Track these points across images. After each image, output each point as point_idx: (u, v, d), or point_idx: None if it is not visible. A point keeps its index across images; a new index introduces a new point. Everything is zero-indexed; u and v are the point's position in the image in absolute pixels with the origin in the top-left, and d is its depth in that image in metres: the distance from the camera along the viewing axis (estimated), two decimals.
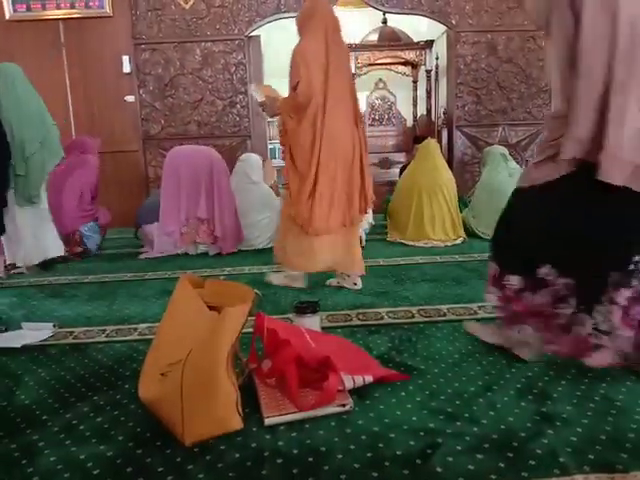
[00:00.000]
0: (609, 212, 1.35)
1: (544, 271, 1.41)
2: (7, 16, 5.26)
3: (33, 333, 2.05)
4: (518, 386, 1.44)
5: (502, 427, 1.23)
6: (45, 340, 2.01)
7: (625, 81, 1.29)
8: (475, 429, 1.23)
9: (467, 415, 1.30)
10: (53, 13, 5.30)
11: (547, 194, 1.42)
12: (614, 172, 1.29)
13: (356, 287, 2.58)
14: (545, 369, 1.54)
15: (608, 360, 1.40)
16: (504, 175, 4.02)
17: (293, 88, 2.34)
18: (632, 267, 1.34)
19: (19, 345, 1.93)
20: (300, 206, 2.41)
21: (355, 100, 2.49)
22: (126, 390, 1.52)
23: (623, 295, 1.34)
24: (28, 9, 5.29)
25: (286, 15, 5.33)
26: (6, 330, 2.11)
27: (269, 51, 6.12)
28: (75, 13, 5.30)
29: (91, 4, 5.34)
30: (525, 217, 1.48)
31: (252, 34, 5.48)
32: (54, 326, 2.13)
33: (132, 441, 1.25)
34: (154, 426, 1.29)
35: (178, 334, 1.39)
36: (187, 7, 5.33)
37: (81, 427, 1.32)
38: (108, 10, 5.33)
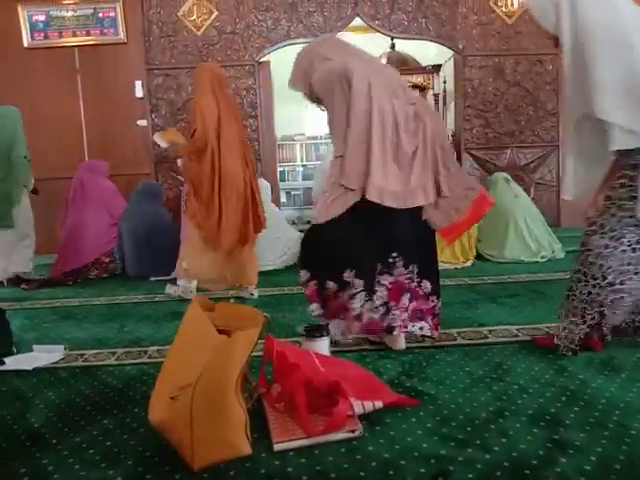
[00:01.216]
0: (378, 223, 1.88)
1: (347, 274, 1.89)
2: (25, 44, 5.41)
3: (44, 355, 2.06)
4: (530, 412, 1.42)
5: (514, 455, 1.21)
6: (56, 362, 2.02)
7: (381, 137, 1.84)
8: (487, 456, 1.21)
9: (478, 442, 1.28)
10: (69, 40, 5.45)
11: (338, 219, 1.88)
12: (374, 194, 1.82)
13: (253, 297, 3.02)
14: (557, 395, 1.52)
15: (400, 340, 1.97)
16: (510, 197, 4.07)
17: (191, 135, 2.86)
18: (391, 260, 1.90)
19: (30, 367, 1.95)
20: (209, 230, 2.90)
21: (244, 144, 3.02)
22: (136, 413, 1.52)
23: (387, 280, 1.90)
24: (45, 37, 5.45)
25: (295, 41, 5.44)
26: (17, 352, 2.13)
27: (278, 76, 6.22)
28: (90, 40, 5.44)
29: (106, 31, 5.48)
30: (328, 238, 1.91)
31: (262, 60, 5.59)
32: (65, 348, 2.14)
33: (141, 466, 1.24)
34: (163, 450, 1.28)
35: (188, 357, 1.40)
36: (199, 34, 5.46)
37: (90, 451, 1.32)
38: (122, 37, 5.47)
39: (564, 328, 1.86)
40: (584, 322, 1.82)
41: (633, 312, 1.85)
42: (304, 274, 1.96)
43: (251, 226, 2.96)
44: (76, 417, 1.52)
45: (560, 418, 1.38)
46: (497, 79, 5.66)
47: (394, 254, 1.90)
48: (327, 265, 1.92)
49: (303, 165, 7.93)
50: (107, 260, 3.97)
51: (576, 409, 1.43)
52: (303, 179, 7.76)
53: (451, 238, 2.25)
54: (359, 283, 1.89)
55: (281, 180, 7.11)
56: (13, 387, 1.79)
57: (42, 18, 5.42)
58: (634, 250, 1.74)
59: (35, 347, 2.16)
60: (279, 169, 6.81)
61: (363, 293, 1.89)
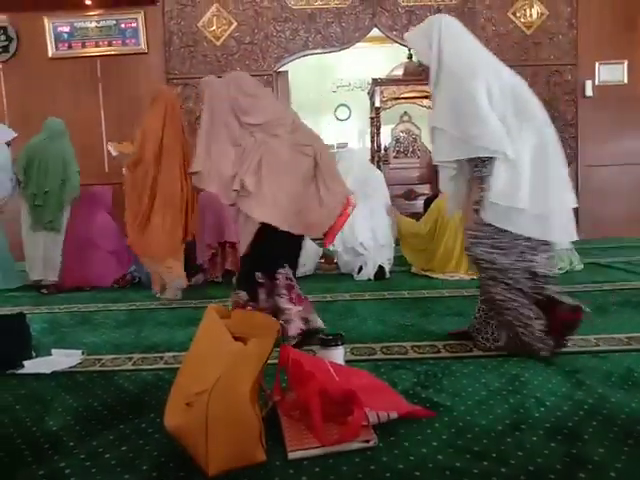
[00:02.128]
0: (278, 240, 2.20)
1: (282, 271, 2.23)
2: (50, 54, 5.55)
3: (63, 359, 2.09)
4: (547, 425, 1.40)
5: (531, 468, 1.20)
6: (74, 367, 2.05)
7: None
8: (503, 469, 1.20)
9: (495, 455, 1.26)
10: (92, 51, 5.58)
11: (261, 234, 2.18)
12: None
13: (177, 298, 3.33)
14: (575, 409, 1.50)
15: (298, 329, 2.15)
16: None
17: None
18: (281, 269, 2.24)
19: (49, 371, 1.98)
20: (134, 235, 3.27)
21: (188, 161, 3.18)
22: (151, 419, 1.53)
23: (282, 280, 2.22)
24: (69, 47, 5.58)
25: (313, 52, 5.50)
26: (36, 356, 2.16)
27: (296, 85, 6.28)
28: (112, 50, 5.56)
29: (127, 42, 5.60)
30: (264, 246, 2.22)
31: (280, 69, 5.65)
32: (83, 353, 2.17)
33: (156, 471, 1.25)
34: (178, 456, 1.29)
35: (204, 364, 1.40)
36: (218, 44, 5.54)
37: (107, 455, 1.33)
38: (143, 47, 5.58)
39: (522, 334, 1.91)
40: (536, 317, 1.90)
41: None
42: (244, 295, 2.25)
43: (178, 235, 3.30)
44: (93, 421, 1.54)
45: (578, 432, 1.36)
46: None
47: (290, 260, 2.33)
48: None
49: None
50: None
51: (594, 423, 1.40)
52: None
53: (329, 240, 2.55)
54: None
55: None
56: (32, 390, 1.82)
57: (66, 29, 5.56)
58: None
59: (54, 351, 2.19)
60: None
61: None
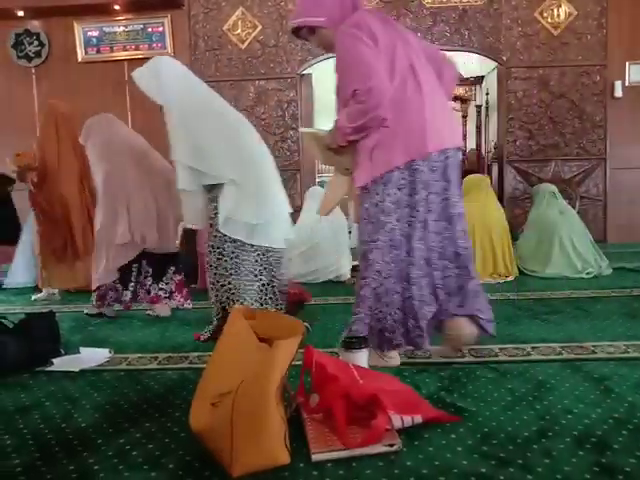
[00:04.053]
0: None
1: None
2: (79, 58, 5.68)
3: (90, 358, 2.14)
4: (575, 433, 1.38)
5: (558, 476, 1.18)
6: (101, 365, 2.09)
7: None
8: (529, 477, 1.18)
9: (520, 461, 1.25)
10: (119, 55, 5.69)
11: None
12: None
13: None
14: (604, 417, 1.46)
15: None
16: (554, 213, 3.94)
17: (36, 166, 3.42)
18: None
19: (77, 369, 2.02)
20: (43, 245, 3.57)
21: (83, 173, 3.40)
22: (176, 418, 1.55)
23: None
24: (98, 52, 5.71)
25: None
26: (65, 354, 2.21)
27: (319, 88, 6.29)
28: (139, 54, 5.66)
29: (154, 45, 5.69)
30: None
31: (304, 72, 5.67)
32: (110, 352, 2.22)
33: (182, 470, 1.27)
34: (203, 456, 1.31)
35: (229, 365, 1.42)
36: (243, 47, 5.59)
37: (134, 453, 1.36)
38: (170, 51, 5.66)
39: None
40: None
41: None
42: None
43: (81, 241, 3.46)
44: (120, 419, 1.57)
45: (607, 441, 1.33)
46: (542, 91, 5.55)
47: None
48: None
49: None
50: None
51: (624, 433, 1.37)
52: None
53: None
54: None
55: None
56: (61, 387, 1.87)
57: (96, 34, 5.68)
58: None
59: (82, 349, 2.24)
60: (317, 180, 6.86)
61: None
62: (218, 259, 2.31)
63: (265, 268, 2.38)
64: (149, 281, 2.98)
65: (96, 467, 1.29)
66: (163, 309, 2.95)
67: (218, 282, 2.33)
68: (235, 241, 2.29)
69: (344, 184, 2.13)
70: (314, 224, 3.83)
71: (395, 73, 1.73)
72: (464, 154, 7.05)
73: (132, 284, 2.95)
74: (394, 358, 1.94)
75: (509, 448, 1.31)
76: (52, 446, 1.41)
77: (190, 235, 3.47)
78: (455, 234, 1.88)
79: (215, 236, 2.31)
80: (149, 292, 2.97)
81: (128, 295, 2.94)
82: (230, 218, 2.25)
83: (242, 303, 2.28)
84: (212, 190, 2.30)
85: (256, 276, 2.36)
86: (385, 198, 1.77)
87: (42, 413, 1.64)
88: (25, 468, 1.30)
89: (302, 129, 2.29)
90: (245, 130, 2.41)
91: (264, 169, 2.38)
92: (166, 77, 2.27)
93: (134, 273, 2.95)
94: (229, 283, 2.31)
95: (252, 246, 2.32)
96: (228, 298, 2.32)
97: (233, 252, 2.30)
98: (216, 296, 2.36)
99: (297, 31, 1.95)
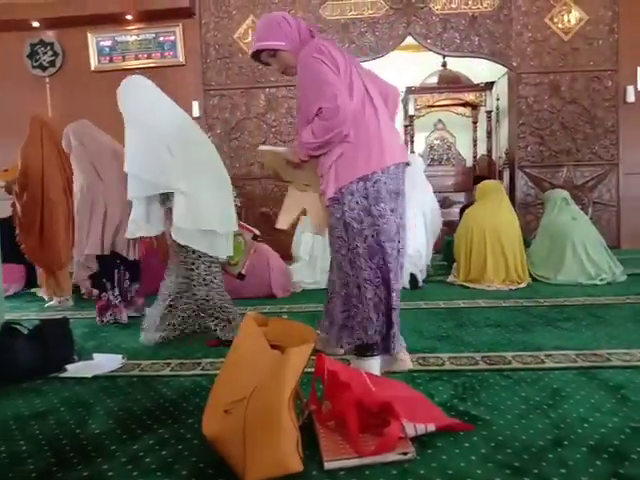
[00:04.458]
0: None
1: None
2: (92, 67, 5.76)
3: (104, 364, 2.15)
4: (591, 443, 1.36)
5: None
6: (114, 371, 2.10)
7: None
8: None
9: (536, 471, 1.23)
10: (132, 63, 5.76)
11: None
12: None
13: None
14: (621, 426, 1.44)
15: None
16: (567, 218, 3.92)
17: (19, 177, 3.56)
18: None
19: (90, 375, 2.04)
20: (29, 252, 3.62)
21: (68, 179, 3.43)
22: (189, 424, 1.55)
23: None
24: (110, 61, 5.78)
25: None
26: (78, 360, 2.23)
27: None
28: (151, 63, 5.73)
29: (166, 54, 5.76)
30: None
31: None
32: (123, 358, 2.23)
33: (195, 477, 1.27)
34: (216, 462, 1.31)
35: (242, 371, 1.42)
36: None
37: (147, 459, 1.36)
38: (181, 59, 5.73)
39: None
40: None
41: None
42: None
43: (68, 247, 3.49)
44: (133, 425, 1.58)
45: (625, 451, 1.31)
46: (553, 96, 5.54)
47: None
48: None
49: None
50: None
51: None
52: None
53: None
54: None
55: None
56: (75, 393, 1.88)
57: (108, 43, 5.76)
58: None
59: (95, 355, 2.26)
60: None
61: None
62: (187, 270, 2.42)
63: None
64: (127, 283, 3.08)
65: (110, 473, 1.30)
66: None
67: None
68: (194, 251, 2.40)
69: (302, 198, 2.23)
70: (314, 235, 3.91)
71: (353, 94, 1.87)
72: (474, 160, 7.04)
73: (117, 287, 3.03)
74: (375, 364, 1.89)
75: (524, 457, 1.30)
76: (67, 452, 1.42)
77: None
78: (402, 242, 1.97)
79: (178, 247, 2.42)
80: (127, 293, 3.08)
81: (118, 298, 3.01)
82: (180, 227, 2.33)
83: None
84: (166, 201, 2.42)
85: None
86: (354, 207, 1.87)
87: (57, 419, 1.65)
88: (40, 473, 1.31)
89: (261, 147, 2.38)
90: (206, 149, 2.56)
91: (215, 182, 2.47)
92: (128, 94, 2.49)
93: (117, 277, 3.03)
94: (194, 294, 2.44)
95: (204, 255, 2.42)
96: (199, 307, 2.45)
97: (193, 263, 2.41)
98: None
99: (257, 55, 2.09)
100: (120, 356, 2.25)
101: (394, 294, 1.87)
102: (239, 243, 3.17)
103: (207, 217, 2.36)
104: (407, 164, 2.00)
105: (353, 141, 1.86)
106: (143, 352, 2.37)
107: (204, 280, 2.42)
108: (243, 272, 3.19)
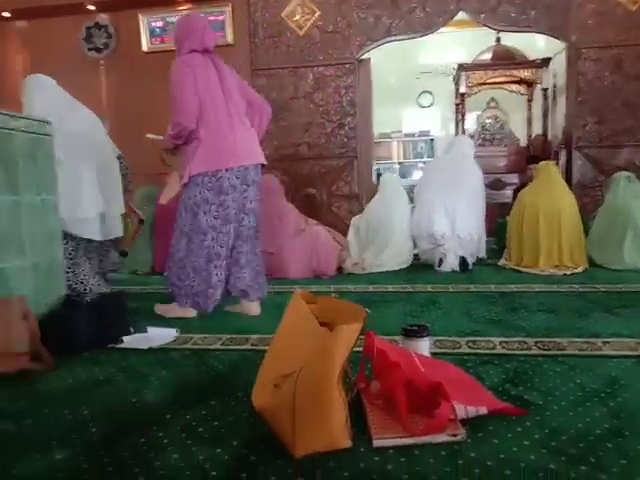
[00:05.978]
0: None
1: None
2: (144, 48, 5.86)
3: (158, 336, 2.23)
4: None
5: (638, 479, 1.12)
6: (168, 344, 2.17)
7: None
8: (604, 477, 1.12)
9: (593, 460, 1.19)
10: None
11: None
12: None
13: None
14: None
15: None
16: (629, 197, 3.71)
17: None
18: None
19: (145, 347, 2.11)
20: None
21: None
22: (239, 397, 1.59)
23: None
24: (162, 41, 5.86)
25: (397, 38, 5.39)
26: (134, 332, 2.32)
27: (378, 73, 6.21)
28: None
29: (216, 35, 5.76)
30: None
31: (362, 57, 5.59)
32: (176, 331, 2.30)
33: (246, 448, 1.30)
34: (266, 435, 1.33)
35: (291, 347, 1.44)
36: (301, 33, 5.58)
37: (200, 429, 1.40)
38: (230, 39, 5.74)
39: None
40: None
41: None
42: None
43: None
44: (186, 396, 1.63)
45: None
46: (615, 72, 5.22)
47: None
48: None
49: (400, 163, 7.85)
50: None
51: None
52: (400, 177, 7.72)
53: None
54: None
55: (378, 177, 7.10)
56: (132, 364, 1.96)
57: (159, 24, 5.84)
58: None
59: (149, 329, 2.34)
60: (374, 167, 6.80)
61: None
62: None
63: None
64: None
65: (165, 440, 1.34)
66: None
67: None
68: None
69: (178, 180, 2.73)
70: (380, 214, 3.99)
71: (209, 105, 2.45)
72: (529, 140, 6.77)
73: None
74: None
75: (580, 445, 1.26)
76: (125, 418, 1.49)
77: None
78: (250, 223, 2.60)
79: None
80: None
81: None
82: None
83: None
84: None
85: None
86: (197, 195, 2.44)
87: (114, 387, 1.73)
88: (102, 437, 1.38)
89: (148, 134, 2.81)
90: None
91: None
92: (30, 93, 2.74)
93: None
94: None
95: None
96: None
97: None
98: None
99: None
100: (174, 330, 2.32)
101: (212, 263, 2.52)
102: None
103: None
104: (263, 165, 2.61)
105: (207, 144, 2.41)
106: (194, 326, 2.44)
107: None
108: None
